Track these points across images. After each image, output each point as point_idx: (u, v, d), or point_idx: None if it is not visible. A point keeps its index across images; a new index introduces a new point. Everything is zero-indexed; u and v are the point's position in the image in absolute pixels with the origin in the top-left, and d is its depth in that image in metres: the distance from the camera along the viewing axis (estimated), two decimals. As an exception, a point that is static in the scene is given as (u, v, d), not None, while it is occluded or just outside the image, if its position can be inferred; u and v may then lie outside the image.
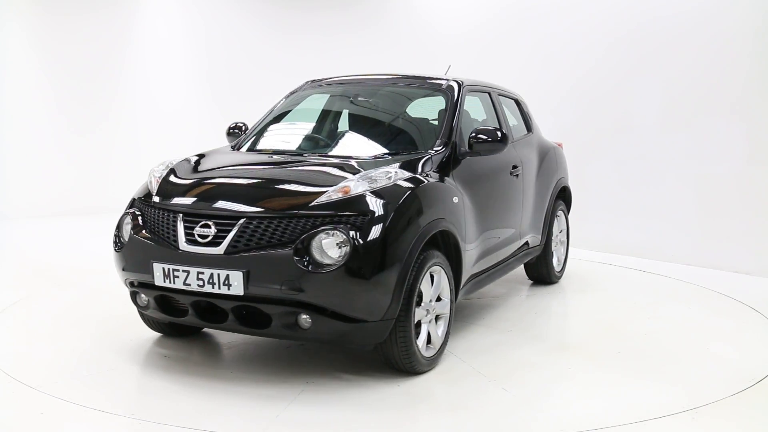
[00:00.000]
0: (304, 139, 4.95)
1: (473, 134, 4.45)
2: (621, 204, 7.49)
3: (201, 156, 4.56)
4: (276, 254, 3.47)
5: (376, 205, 3.61)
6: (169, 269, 3.65)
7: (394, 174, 3.83)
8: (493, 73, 5.95)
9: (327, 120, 5.06)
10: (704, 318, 5.19)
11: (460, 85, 4.85)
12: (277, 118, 5.09)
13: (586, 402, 3.63)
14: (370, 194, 3.65)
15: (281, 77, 10.08)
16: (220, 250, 3.56)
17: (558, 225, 6.09)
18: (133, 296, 4.04)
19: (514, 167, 5.10)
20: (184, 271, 3.61)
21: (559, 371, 4.04)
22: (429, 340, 3.98)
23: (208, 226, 3.62)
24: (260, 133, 4.97)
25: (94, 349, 4.33)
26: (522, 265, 5.95)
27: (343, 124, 5.03)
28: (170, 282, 3.66)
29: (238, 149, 4.82)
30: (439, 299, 4.04)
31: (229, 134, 5.16)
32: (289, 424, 3.30)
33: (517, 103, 5.85)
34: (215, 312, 3.71)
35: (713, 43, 6.75)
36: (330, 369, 3.99)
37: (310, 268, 3.43)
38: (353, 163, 4.08)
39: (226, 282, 3.51)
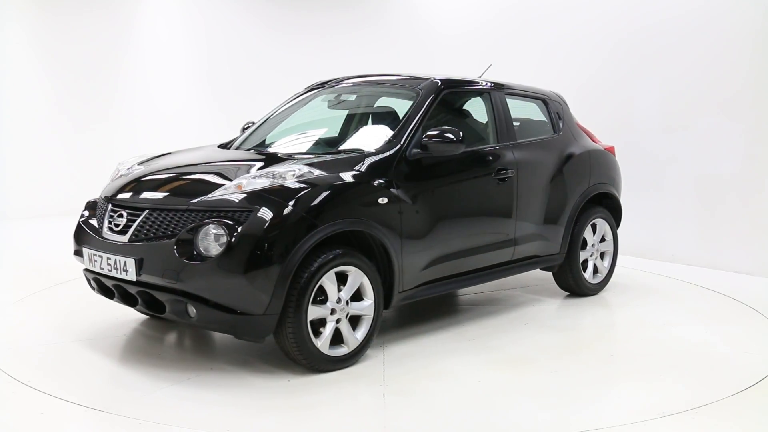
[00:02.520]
0: (276, 138, 5.02)
1: (425, 135, 4.36)
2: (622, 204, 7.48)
3: (167, 153, 4.80)
4: (161, 244, 3.71)
5: (262, 203, 3.70)
6: (91, 254, 4.05)
7: (300, 172, 3.89)
8: (493, 73, 5.90)
9: (305, 120, 5.11)
10: (704, 318, 5.18)
11: (436, 85, 4.73)
12: (271, 119, 5.26)
13: (454, 416, 3.45)
14: (260, 191, 3.74)
15: (281, 77, 10.12)
16: (125, 238, 3.87)
17: (596, 234, 5.65)
18: (87, 279, 4.31)
19: (501, 170, 4.84)
20: (99, 256, 3.98)
21: (470, 385, 3.82)
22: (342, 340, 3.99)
23: (122, 216, 3.96)
24: (251, 132, 5.18)
25: (94, 348, 4.33)
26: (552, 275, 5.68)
27: (320, 124, 5.07)
28: (93, 266, 4.05)
29: (228, 147, 5.01)
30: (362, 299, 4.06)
31: (242, 132, 5.39)
32: (151, 400, 3.56)
33: (545, 103, 5.58)
34: (130, 295, 3.96)
35: (714, 44, 6.75)
36: (243, 357, 4.20)
37: (193, 260, 3.60)
38: (288, 160, 4.16)
39: (124, 268, 3.82)
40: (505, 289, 5.87)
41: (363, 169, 4.11)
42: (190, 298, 3.67)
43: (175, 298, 3.70)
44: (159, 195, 3.97)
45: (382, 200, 4.09)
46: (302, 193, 3.79)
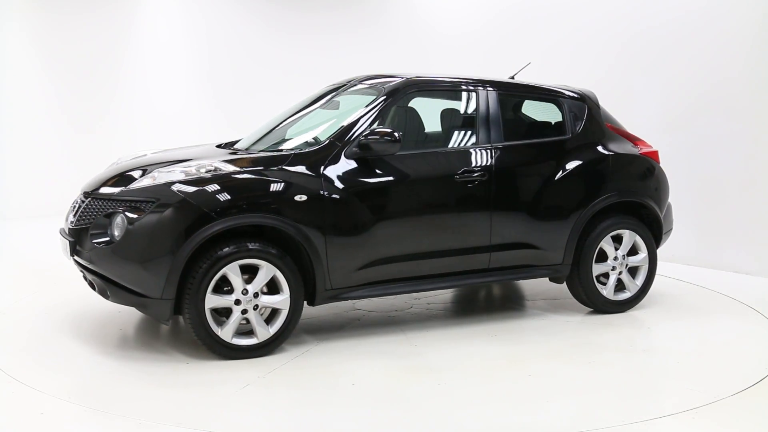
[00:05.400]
0: (259, 137, 4.99)
1: (363, 135, 4.32)
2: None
3: (155, 152, 4.97)
4: (85, 229, 4.10)
5: (163, 194, 3.98)
6: (61, 239, 4.44)
7: (211, 167, 4.08)
8: (492, 73, 5.88)
9: (291, 120, 5.04)
10: (704, 318, 5.18)
11: (399, 85, 4.64)
12: (279, 119, 5.17)
13: (285, 414, 3.50)
14: (165, 184, 4.02)
15: (281, 76, 10.13)
16: (74, 224, 4.25)
17: (621, 246, 5.08)
18: None
19: (468, 172, 4.58)
20: (62, 240, 4.38)
21: (342, 387, 3.78)
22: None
23: (76, 203, 4.35)
24: (255, 132, 5.14)
25: (94, 349, 4.33)
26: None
27: (303, 124, 5.03)
28: (61, 249, 4.42)
29: (226, 147, 5.01)
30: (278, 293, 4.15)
31: None
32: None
33: (558, 103, 5.17)
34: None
35: (714, 43, 6.74)
36: (171, 342, 4.50)
37: (101, 244, 3.98)
38: (243, 156, 4.34)
39: (66, 249, 4.25)
40: (530, 299, 5.58)
41: (285, 166, 4.19)
42: (103, 278, 4.02)
43: (94, 278, 4.07)
44: (102, 186, 4.28)
45: (300, 198, 4.14)
46: (202, 186, 4.00)
